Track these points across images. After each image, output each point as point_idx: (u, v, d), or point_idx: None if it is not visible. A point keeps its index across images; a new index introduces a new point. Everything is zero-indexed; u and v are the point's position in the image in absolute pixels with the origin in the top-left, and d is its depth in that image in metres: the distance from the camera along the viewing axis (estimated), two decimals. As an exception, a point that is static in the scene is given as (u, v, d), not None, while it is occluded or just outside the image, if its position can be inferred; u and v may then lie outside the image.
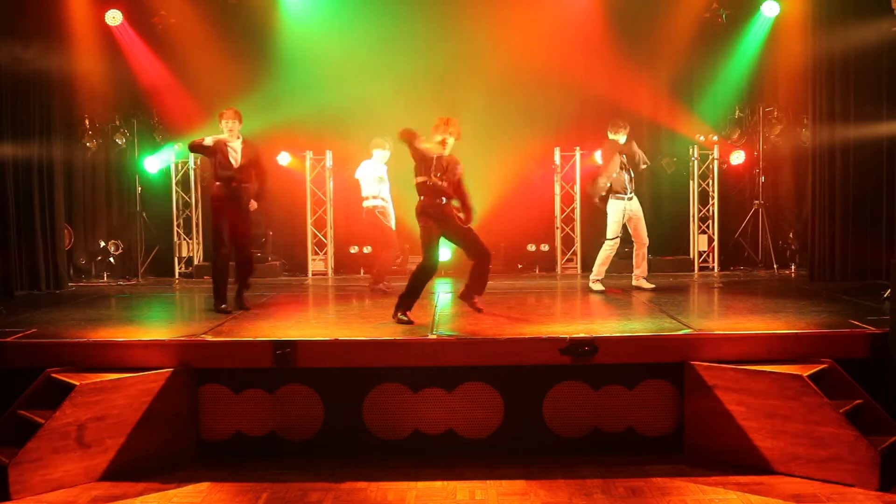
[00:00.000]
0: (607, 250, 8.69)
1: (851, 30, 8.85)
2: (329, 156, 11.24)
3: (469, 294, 7.06)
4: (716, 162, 11.38)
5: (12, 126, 9.16)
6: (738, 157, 11.48)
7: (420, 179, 6.74)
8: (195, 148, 7.46)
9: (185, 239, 11.72)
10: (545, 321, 6.89)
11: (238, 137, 7.43)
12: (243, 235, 7.50)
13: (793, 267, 10.84)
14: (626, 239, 11.49)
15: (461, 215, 6.84)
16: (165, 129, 11.61)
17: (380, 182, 8.92)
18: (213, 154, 7.33)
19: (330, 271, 11.29)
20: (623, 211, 8.64)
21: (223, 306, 7.36)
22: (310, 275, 11.27)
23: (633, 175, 8.74)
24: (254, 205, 7.58)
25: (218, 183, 7.36)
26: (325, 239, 11.42)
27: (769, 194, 11.52)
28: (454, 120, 6.96)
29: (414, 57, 10.99)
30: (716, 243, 11.37)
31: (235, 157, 7.35)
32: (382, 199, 8.93)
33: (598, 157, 10.49)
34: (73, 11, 10.36)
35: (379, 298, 8.32)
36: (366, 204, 8.96)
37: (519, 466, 5.48)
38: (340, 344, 5.88)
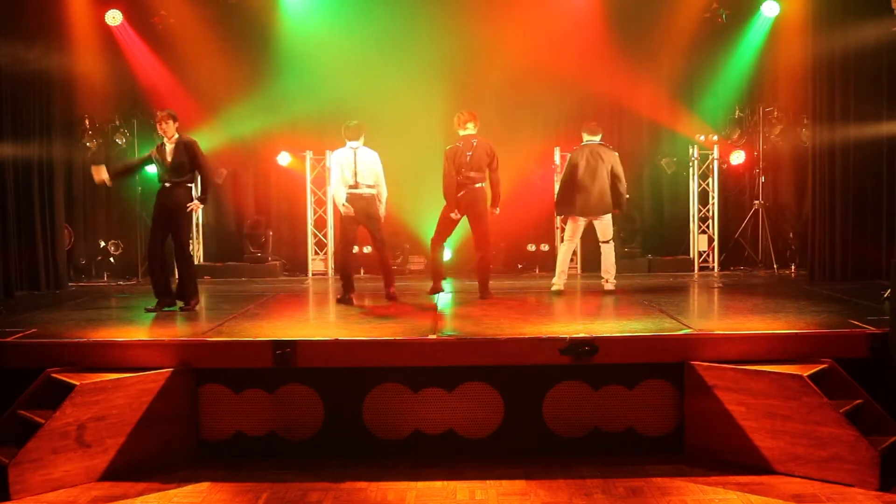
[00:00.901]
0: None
1: (851, 30, 8.85)
2: (329, 156, 11.23)
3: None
4: (716, 162, 11.39)
5: (12, 126, 9.16)
6: (738, 157, 11.49)
7: None
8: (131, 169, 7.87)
9: (185, 239, 11.71)
10: (545, 321, 6.89)
11: (172, 137, 7.45)
12: (174, 238, 7.47)
13: (793, 267, 10.84)
14: (626, 239, 11.56)
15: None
16: (165, 129, 11.59)
17: (339, 175, 8.14)
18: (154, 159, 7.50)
19: (330, 271, 11.28)
20: None
21: (160, 303, 7.45)
22: (310, 275, 11.27)
23: None
24: (195, 206, 7.52)
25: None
26: (325, 239, 11.42)
27: (769, 194, 11.54)
28: None
29: (414, 57, 10.98)
30: (716, 243, 11.38)
31: (168, 157, 7.43)
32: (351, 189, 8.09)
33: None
34: (73, 11, 10.37)
35: (381, 299, 8.26)
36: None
37: (519, 466, 5.48)
38: (340, 344, 5.88)
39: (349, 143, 8.07)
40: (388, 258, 8.29)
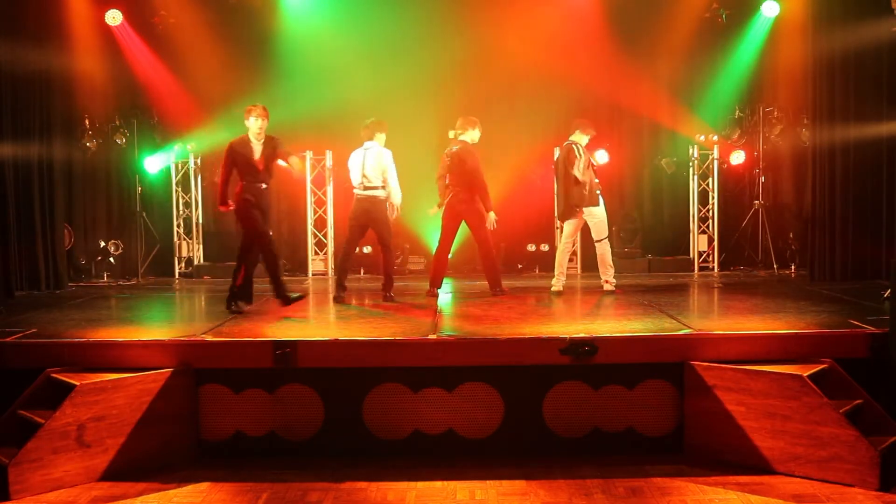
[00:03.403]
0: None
1: (851, 30, 8.85)
2: (329, 156, 11.25)
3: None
4: (716, 162, 11.40)
5: (12, 126, 9.16)
6: (738, 157, 11.49)
7: None
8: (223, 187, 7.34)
9: (185, 239, 11.73)
10: (545, 321, 6.89)
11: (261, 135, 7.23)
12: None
13: (793, 267, 10.85)
14: (626, 239, 11.56)
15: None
16: (165, 129, 11.62)
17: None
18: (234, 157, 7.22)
19: (330, 271, 11.28)
20: None
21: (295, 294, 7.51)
22: (310, 275, 11.27)
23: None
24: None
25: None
26: (325, 239, 11.43)
27: (769, 194, 11.54)
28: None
29: (414, 57, 10.99)
30: (716, 243, 11.39)
31: (257, 156, 7.19)
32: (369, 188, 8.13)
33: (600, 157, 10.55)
34: (73, 11, 10.36)
35: (379, 298, 8.25)
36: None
37: (519, 466, 5.48)
38: (340, 344, 5.88)
39: (364, 144, 8.17)
40: (390, 263, 8.29)
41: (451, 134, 8.49)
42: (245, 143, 7.20)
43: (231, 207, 7.27)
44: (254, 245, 7.34)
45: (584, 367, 5.74)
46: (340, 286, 8.19)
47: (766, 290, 8.89)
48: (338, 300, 8.07)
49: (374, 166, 8.01)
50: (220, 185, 7.35)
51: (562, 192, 8.59)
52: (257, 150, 7.19)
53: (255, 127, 7.16)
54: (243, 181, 7.20)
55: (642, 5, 11.20)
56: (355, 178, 8.10)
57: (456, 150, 8.35)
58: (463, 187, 8.31)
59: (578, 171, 8.37)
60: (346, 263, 8.37)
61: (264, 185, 7.25)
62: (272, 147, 7.23)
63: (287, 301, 7.39)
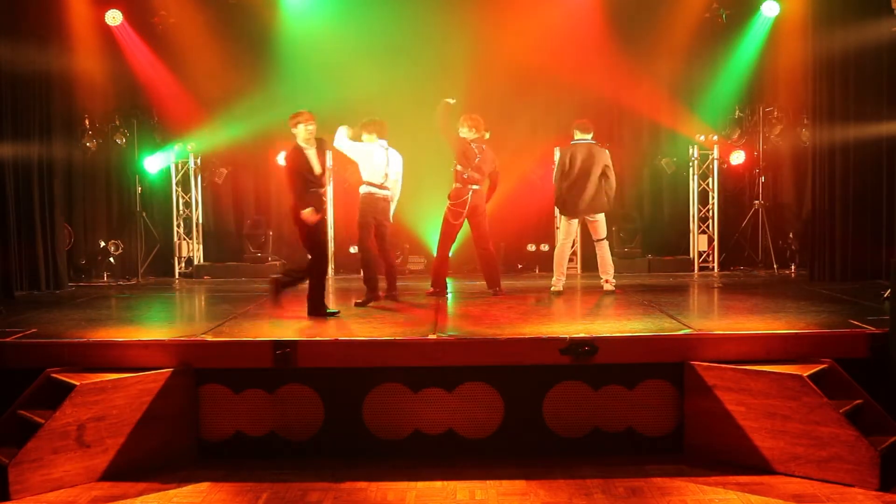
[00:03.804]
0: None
1: (851, 30, 8.85)
2: (329, 156, 11.22)
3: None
4: (716, 162, 11.41)
5: (12, 126, 9.16)
6: (738, 157, 11.49)
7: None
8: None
9: (185, 239, 11.73)
10: (545, 321, 6.90)
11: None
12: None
13: (793, 267, 10.85)
14: (626, 239, 11.56)
15: None
16: (165, 129, 11.61)
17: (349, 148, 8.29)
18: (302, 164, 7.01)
19: (330, 271, 11.26)
20: None
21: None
22: (310, 275, 11.25)
23: None
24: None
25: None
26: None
27: (769, 194, 11.54)
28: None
29: (414, 57, 10.98)
30: (716, 243, 11.39)
31: (318, 163, 7.06)
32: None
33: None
34: (73, 11, 10.36)
35: (380, 299, 8.24)
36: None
37: (519, 466, 5.48)
38: (340, 344, 5.88)
39: (379, 142, 8.12)
40: (394, 260, 8.34)
41: (487, 135, 8.54)
42: (301, 152, 7.01)
43: (318, 217, 7.01)
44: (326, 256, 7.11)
45: (584, 367, 5.74)
46: (393, 287, 8.10)
47: (766, 290, 8.90)
48: (368, 303, 7.80)
49: (396, 168, 8.16)
50: (297, 199, 7.04)
51: (591, 191, 8.38)
52: (313, 155, 7.05)
53: (305, 133, 6.98)
54: (305, 190, 7.03)
55: (642, 5, 11.20)
56: (377, 176, 8.01)
57: (487, 149, 8.44)
58: (482, 185, 8.41)
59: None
60: (379, 263, 8.12)
61: (323, 191, 7.22)
62: (322, 148, 7.18)
63: (320, 316, 7.10)
